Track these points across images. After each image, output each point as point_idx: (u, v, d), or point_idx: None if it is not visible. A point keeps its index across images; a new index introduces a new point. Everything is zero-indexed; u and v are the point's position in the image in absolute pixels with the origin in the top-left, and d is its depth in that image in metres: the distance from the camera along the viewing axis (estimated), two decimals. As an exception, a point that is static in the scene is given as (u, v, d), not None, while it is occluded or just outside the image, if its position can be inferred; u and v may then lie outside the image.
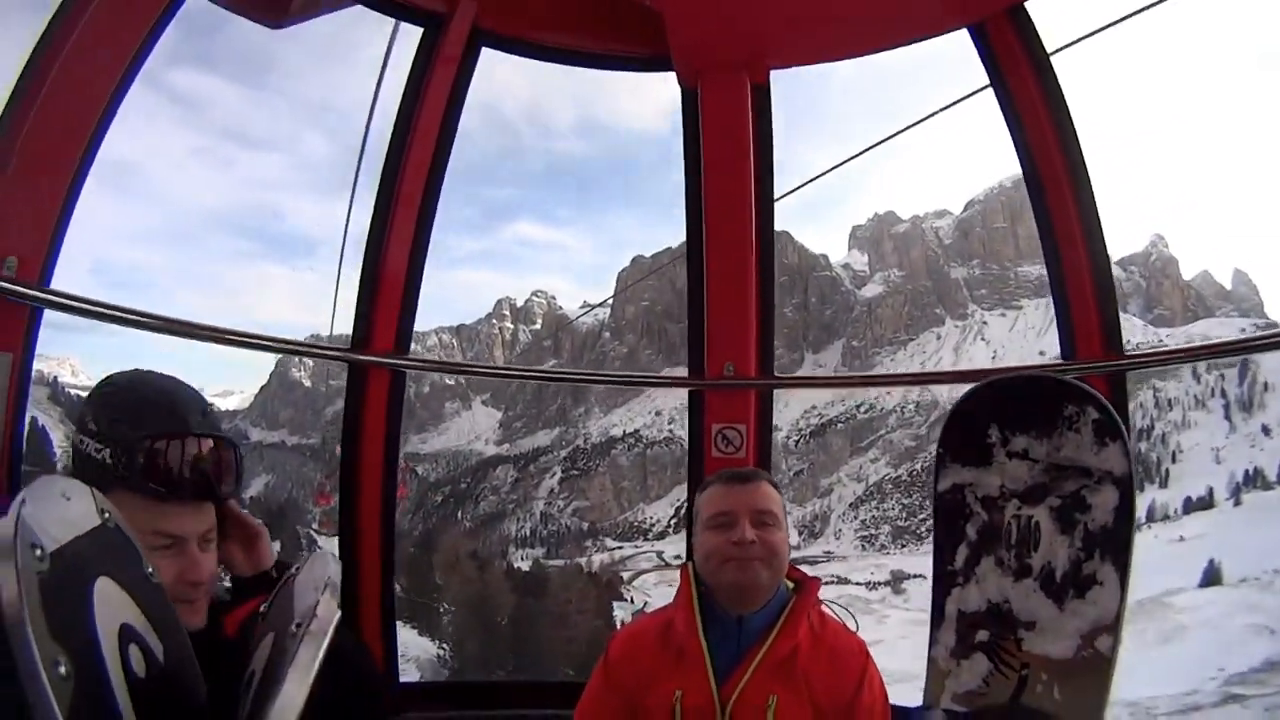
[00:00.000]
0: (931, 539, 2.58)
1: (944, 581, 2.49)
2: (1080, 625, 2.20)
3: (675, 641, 2.17)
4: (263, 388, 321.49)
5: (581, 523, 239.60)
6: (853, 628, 2.28)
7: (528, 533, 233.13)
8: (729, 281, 3.42)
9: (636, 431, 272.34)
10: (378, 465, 3.31)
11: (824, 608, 2.26)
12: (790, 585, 2.25)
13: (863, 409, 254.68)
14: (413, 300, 3.40)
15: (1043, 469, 2.32)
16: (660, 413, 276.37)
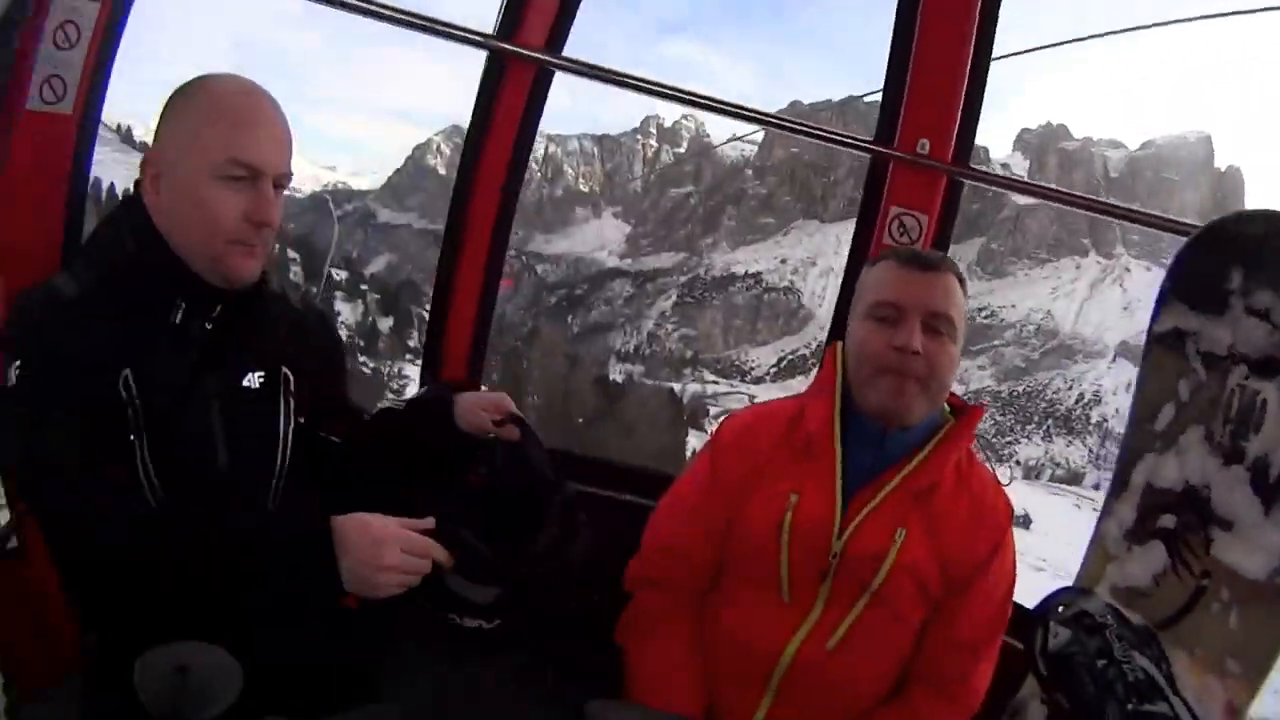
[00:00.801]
0: (1133, 388, 2.16)
1: (1137, 442, 2.04)
2: None
3: (804, 434, 1.78)
4: (396, 171, 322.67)
5: (685, 350, 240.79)
6: (1004, 481, 1.93)
7: (631, 349, 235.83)
8: (942, 45, 2.87)
9: (758, 274, 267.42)
10: (500, 172, 2.88)
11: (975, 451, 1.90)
12: (947, 410, 1.84)
13: (984, 313, 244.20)
14: None
15: None
16: (786, 260, 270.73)
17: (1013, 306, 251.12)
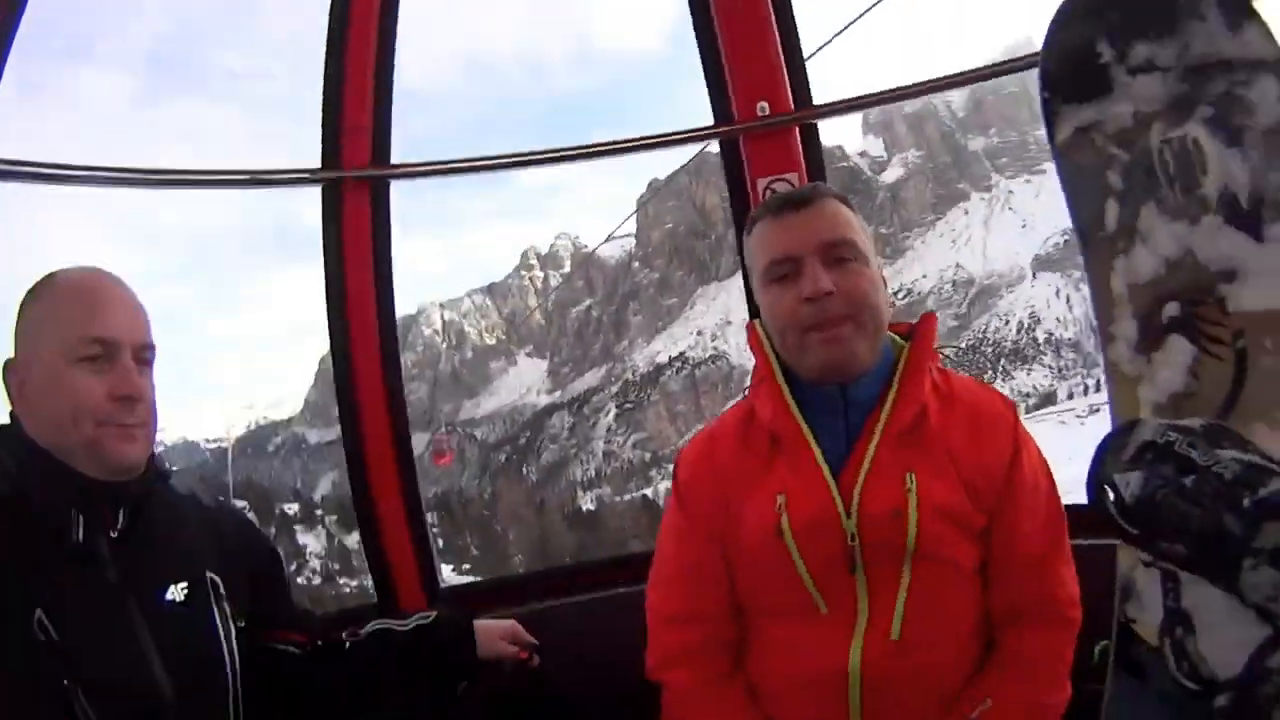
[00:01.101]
0: (1067, 208, 2.03)
1: (1100, 254, 1.93)
2: None
3: (762, 431, 1.59)
4: (311, 387, 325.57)
5: (644, 454, 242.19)
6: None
7: (593, 474, 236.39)
8: (742, 8, 2.84)
9: (682, 354, 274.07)
10: (368, 301, 2.73)
11: (943, 362, 1.70)
12: (898, 338, 1.64)
13: (900, 295, 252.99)
14: (386, 99, 2.79)
15: (1178, 76, 1.78)
16: (702, 331, 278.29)
17: (924, 277, 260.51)
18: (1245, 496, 1.18)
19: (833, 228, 1.54)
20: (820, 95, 2.92)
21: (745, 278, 2.12)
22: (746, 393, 1.70)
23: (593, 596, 2.63)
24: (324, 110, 2.72)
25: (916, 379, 1.55)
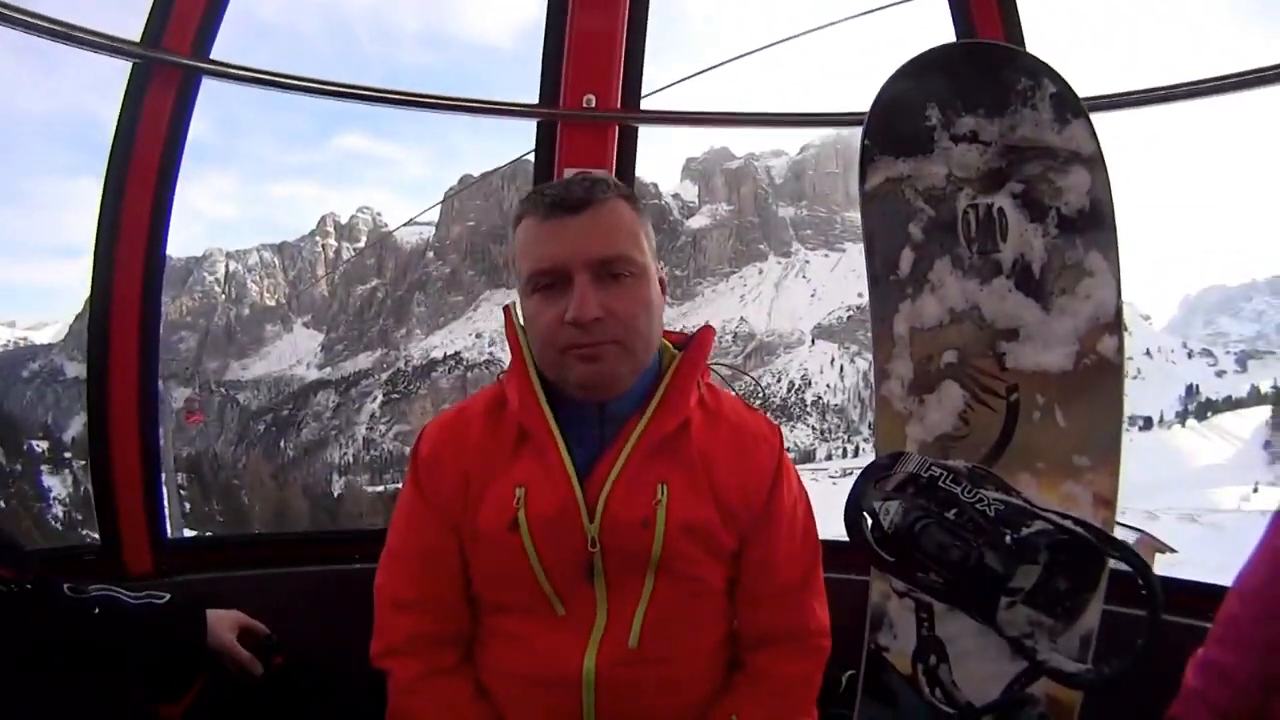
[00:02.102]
0: (864, 249, 2.11)
1: (887, 295, 2.01)
2: (1076, 326, 1.80)
3: (510, 421, 1.46)
4: (78, 316, 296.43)
5: (404, 446, 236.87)
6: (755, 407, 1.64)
7: (352, 459, 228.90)
8: (600, 2, 2.87)
9: (457, 354, 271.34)
10: (145, 203, 2.50)
11: (716, 379, 1.65)
12: (671, 348, 1.52)
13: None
14: None
15: (997, 152, 1.92)
16: (481, 334, 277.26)
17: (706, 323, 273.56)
18: (1007, 534, 1.20)
19: (608, 241, 1.34)
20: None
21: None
22: (502, 376, 1.52)
23: (327, 569, 2.50)
24: None
25: (682, 391, 1.44)
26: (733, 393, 1.62)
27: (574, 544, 1.37)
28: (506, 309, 1.51)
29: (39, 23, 2.28)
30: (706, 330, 1.52)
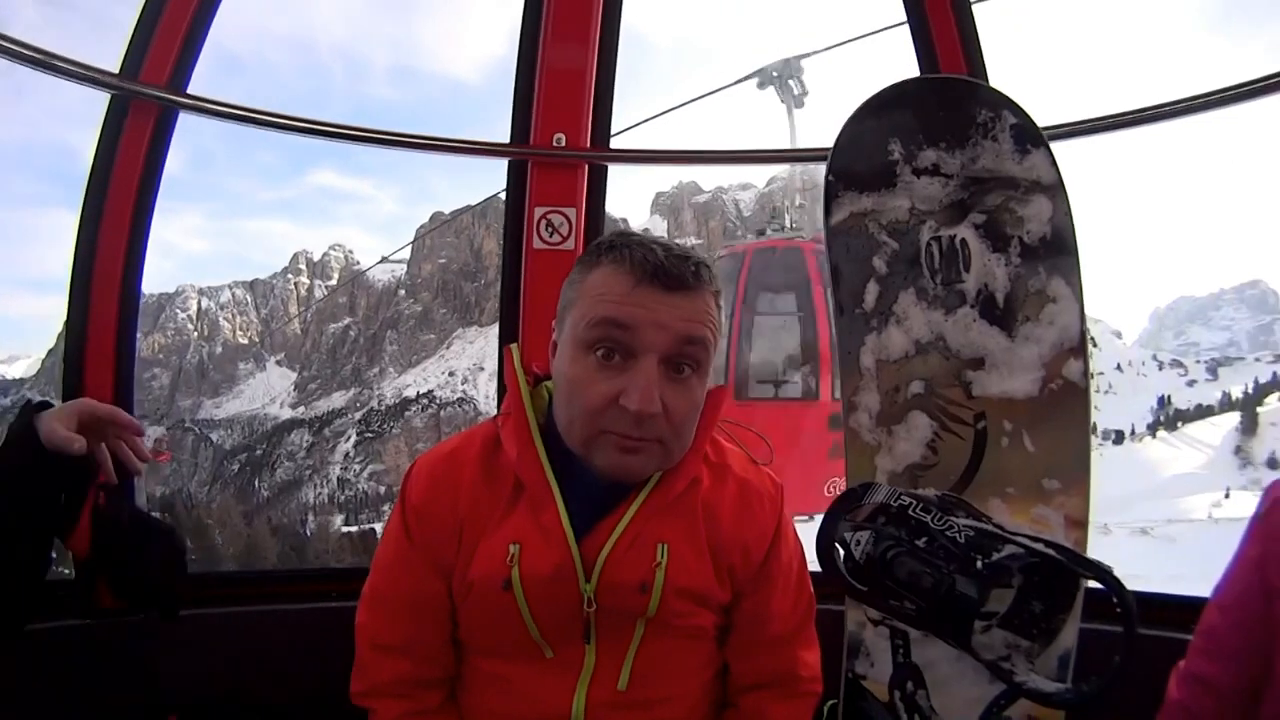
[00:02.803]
0: (829, 283, 2.15)
1: (853, 328, 2.03)
2: (1041, 352, 1.81)
3: (506, 470, 1.38)
4: (50, 351, 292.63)
5: (379, 486, 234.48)
6: (764, 458, 1.56)
7: (327, 499, 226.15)
8: (567, 37, 2.92)
9: (430, 392, 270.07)
10: (121, 240, 2.52)
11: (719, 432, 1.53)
12: None
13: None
14: (202, 27, 2.62)
15: (959, 184, 1.94)
16: (454, 373, 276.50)
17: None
18: (978, 560, 1.22)
19: (691, 331, 1.23)
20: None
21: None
22: (498, 420, 1.43)
23: (303, 607, 2.45)
24: (139, 17, 2.47)
25: (695, 453, 1.37)
26: (737, 447, 1.53)
27: (569, 602, 1.32)
28: (507, 350, 1.44)
29: (18, 49, 2.27)
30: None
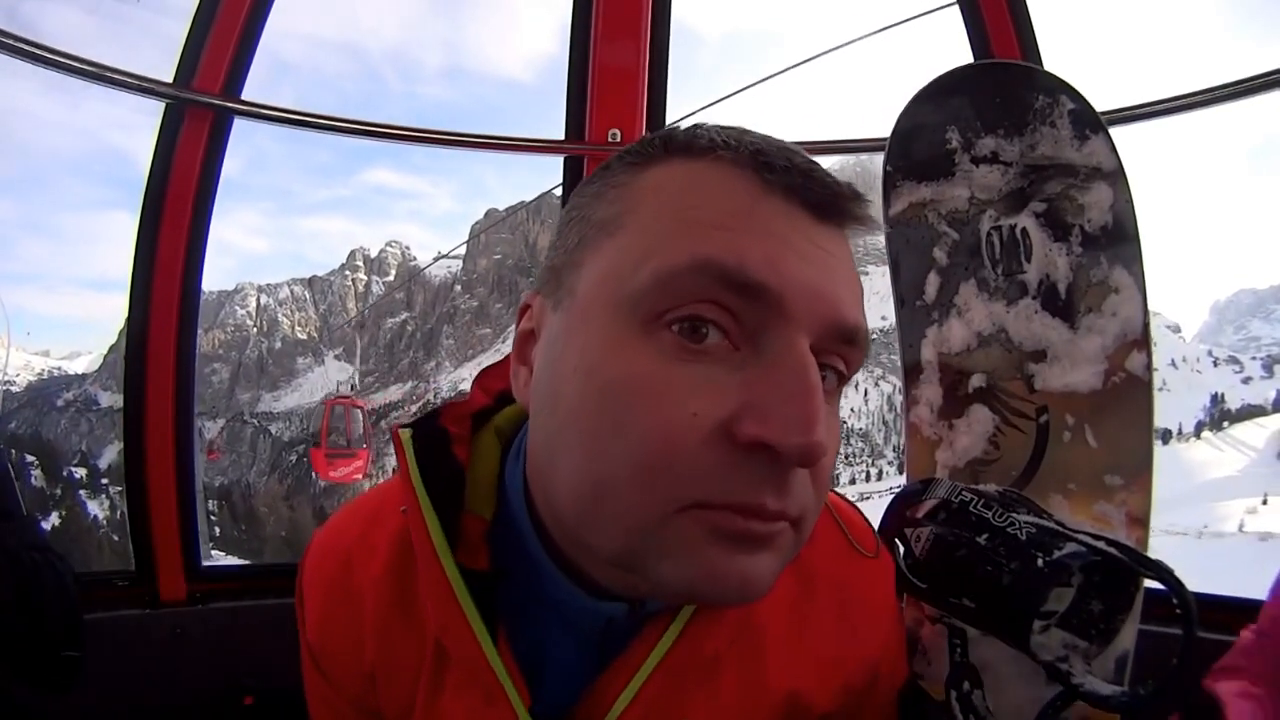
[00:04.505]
0: (889, 274, 2.03)
1: (914, 321, 1.94)
2: (1104, 344, 1.73)
3: (420, 616, 0.80)
4: (112, 347, 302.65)
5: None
6: (870, 548, 0.96)
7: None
8: (619, 33, 2.88)
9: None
10: (180, 241, 2.54)
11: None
12: None
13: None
14: (254, 32, 2.61)
15: (1019, 172, 1.86)
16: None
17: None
18: (1039, 557, 1.18)
19: (857, 296, 0.65)
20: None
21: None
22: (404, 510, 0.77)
23: None
24: (191, 26, 2.55)
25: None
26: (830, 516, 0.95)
27: None
28: (395, 430, 0.81)
29: (73, 64, 2.35)
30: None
